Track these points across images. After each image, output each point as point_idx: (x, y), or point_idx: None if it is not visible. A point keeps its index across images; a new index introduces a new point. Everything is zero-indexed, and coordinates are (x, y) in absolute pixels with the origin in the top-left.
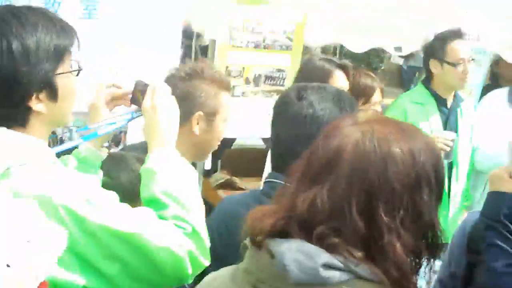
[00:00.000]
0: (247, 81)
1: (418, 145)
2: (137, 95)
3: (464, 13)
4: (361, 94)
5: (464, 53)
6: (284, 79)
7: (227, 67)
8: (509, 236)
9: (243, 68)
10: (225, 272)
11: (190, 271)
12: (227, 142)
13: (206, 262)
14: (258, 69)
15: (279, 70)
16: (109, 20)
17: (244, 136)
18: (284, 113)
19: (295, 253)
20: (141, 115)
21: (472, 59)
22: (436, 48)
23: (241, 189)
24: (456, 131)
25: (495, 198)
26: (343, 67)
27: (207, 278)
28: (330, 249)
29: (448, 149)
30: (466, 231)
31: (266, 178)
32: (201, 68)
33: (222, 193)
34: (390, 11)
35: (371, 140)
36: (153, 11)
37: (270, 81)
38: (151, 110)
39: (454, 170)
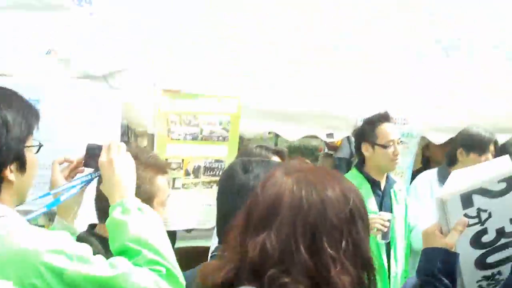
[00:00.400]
0: (186, 173)
1: (347, 186)
2: (90, 159)
3: (391, 97)
4: None
5: (393, 135)
6: (222, 169)
7: (166, 159)
8: None
9: (182, 160)
10: None
11: None
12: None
13: None
14: (197, 161)
15: (217, 161)
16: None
17: (186, 227)
18: (231, 186)
19: None
20: (99, 174)
21: (401, 142)
22: (367, 132)
23: None
24: (391, 212)
25: (429, 254)
26: (279, 153)
27: None
28: None
29: (385, 229)
30: None
31: (212, 252)
32: (135, 153)
33: None
34: (321, 98)
35: (307, 184)
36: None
37: (209, 172)
38: (108, 164)
39: (392, 251)
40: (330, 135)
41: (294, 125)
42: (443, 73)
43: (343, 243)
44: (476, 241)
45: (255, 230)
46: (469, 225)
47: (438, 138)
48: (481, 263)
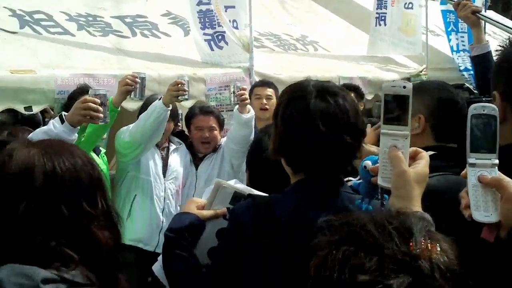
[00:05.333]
0: None
1: (87, 155)
2: None
3: None
4: None
5: None
6: None
7: None
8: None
9: None
10: None
11: None
12: None
13: None
14: None
15: None
16: None
17: None
18: None
19: (13, 277)
20: None
21: None
22: (69, 105)
23: None
24: None
25: (180, 216)
26: None
27: None
28: (49, 255)
29: None
30: None
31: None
32: None
33: None
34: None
35: (55, 154)
36: None
37: None
38: None
39: None
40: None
41: None
42: None
43: (99, 203)
44: None
45: (9, 200)
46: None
47: None
48: None
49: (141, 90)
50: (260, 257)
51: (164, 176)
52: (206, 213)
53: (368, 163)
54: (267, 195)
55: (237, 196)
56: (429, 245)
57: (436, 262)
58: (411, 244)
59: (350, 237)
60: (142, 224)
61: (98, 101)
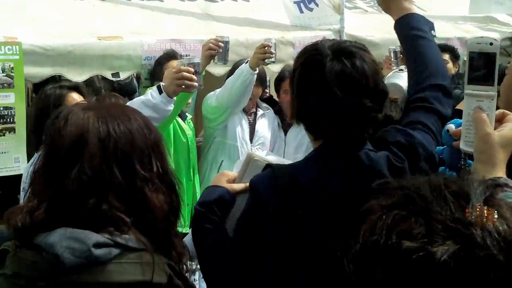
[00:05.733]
0: None
1: (146, 118)
2: None
3: None
4: None
5: None
6: (13, 116)
7: None
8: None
9: None
10: None
11: None
12: None
13: None
14: None
15: (6, 108)
16: None
17: None
18: None
19: (65, 241)
20: None
21: None
22: (156, 70)
23: None
24: None
25: (210, 189)
26: (76, 88)
27: None
28: (102, 220)
29: None
30: None
31: None
32: None
33: None
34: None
35: (110, 117)
36: None
37: (0, 120)
38: None
39: None
40: (115, 74)
41: (79, 67)
42: None
43: (154, 166)
44: None
45: (63, 164)
46: None
47: None
48: None
49: (224, 54)
50: (285, 229)
51: (251, 142)
52: (237, 186)
53: (451, 126)
54: (288, 163)
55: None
56: (485, 211)
57: (491, 230)
58: (466, 210)
59: (402, 201)
60: None
61: (192, 69)
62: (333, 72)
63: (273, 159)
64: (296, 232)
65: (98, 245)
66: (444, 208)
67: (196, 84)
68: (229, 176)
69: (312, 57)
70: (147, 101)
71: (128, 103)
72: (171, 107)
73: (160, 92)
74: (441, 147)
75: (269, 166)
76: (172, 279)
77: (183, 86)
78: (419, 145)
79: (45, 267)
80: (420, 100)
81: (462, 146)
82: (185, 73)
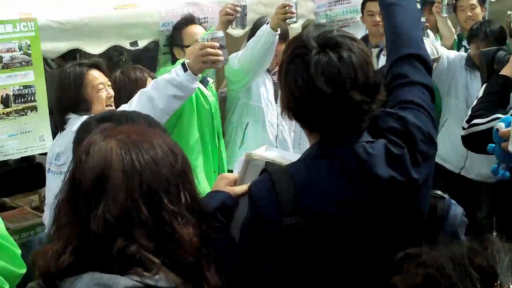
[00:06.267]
0: None
1: (170, 141)
2: None
3: None
4: (135, 86)
5: (197, 35)
6: (34, 94)
7: None
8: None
9: None
10: None
11: (6, 286)
12: None
13: (21, 270)
14: (3, 91)
15: (26, 87)
16: None
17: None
18: None
19: (93, 287)
20: None
21: None
22: (175, 36)
23: (13, 207)
24: None
25: (213, 194)
26: (95, 66)
27: None
28: (130, 262)
29: None
30: None
31: None
32: None
33: None
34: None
35: (133, 145)
36: None
37: (21, 99)
38: None
39: None
40: (134, 43)
41: (96, 38)
42: None
43: (182, 197)
44: None
45: (87, 202)
46: None
47: None
48: None
49: (242, 18)
50: (287, 234)
51: (276, 102)
52: (238, 189)
53: (501, 125)
54: (291, 159)
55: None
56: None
57: None
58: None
59: (426, 282)
60: None
61: (217, 44)
62: (319, 67)
63: (273, 155)
64: (298, 237)
65: None
66: (469, 286)
67: (222, 58)
68: (229, 179)
69: (297, 50)
70: (172, 79)
71: (153, 82)
72: (196, 84)
73: (185, 70)
74: (493, 145)
75: (265, 170)
76: None
77: (209, 63)
78: (414, 128)
79: None
80: (400, 77)
81: (511, 148)
82: (210, 49)
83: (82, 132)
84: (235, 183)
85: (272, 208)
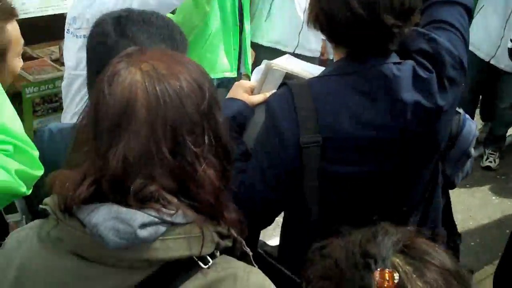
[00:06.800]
0: None
1: (198, 74)
2: None
3: None
4: None
5: None
6: None
7: None
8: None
9: None
10: (30, 235)
11: (23, 189)
12: None
13: (38, 172)
14: None
15: None
16: None
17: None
18: (101, 49)
19: (110, 221)
20: None
21: None
22: None
23: (33, 58)
24: None
25: (228, 102)
26: None
27: (9, 242)
28: (148, 200)
29: None
30: None
31: None
32: None
33: None
34: None
35: (159, 78)
36: None
37: None
38: None
39: None
40: None
41: None
42: None
43: (206, 138)
44: None
45: (110, 136)
46: None
47: None
48: None
49: None
50: (303, 151)
51: None
52: (256, 98)
53: None
54: (312, 73)
55: (288, 78)
56: (386, 274)
57: None
58: (371, 275)
59: (324, 273)
60: (282, 25)
61: None
62: None
63: (294, 66)
64: (315, 155)
65: (144, 226)
66: (356, 275)
67: None
68: (247, 87)
69: None
70: None
71: None
72: None
73: None
74: None
75: (285, 84)
76: (219, 245)
77: None
78: (445, 52)
79: (90, 242)
80: None
81: None
82: None
83: (96, 35)
84: (252, 91)
85: (290, 124)
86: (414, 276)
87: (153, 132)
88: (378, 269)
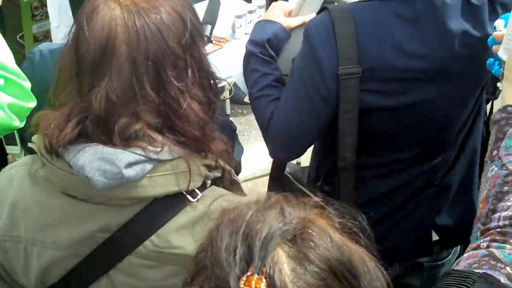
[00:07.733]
0: None
1: (178, 2)
2: None
3: None
4: None
5: None
6: None
7: None
8: (268, 59)
9: None
10: (20, 173)
11: (16, 122)
12: None
13: (31, 104)
14: None
15: None
16: None
17: None
18: None
19: (96, 162)
20: None
21: None
22: None
23: None
24: None
25: (262, 25)
26: None
27: (1, 181)
28: (133, 138)
29: None
30: None
31: None
32: None
33: None
34: None
35: (138, 12)
36: None
37: None
38: None
39: None
40: None
41: None
42: None
43: (189, 71)
44: None
45: (92, 75)
46: None
47: None
48: None
49: None
50: (342, 84)
51: None
52: (293, 21)
53: (499, 23)
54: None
55: (329, 1)
56: (253, 280)
57: None
58: (249, 271)
59: (199, 270)
60: None
61: None
62: None
63: None
64: (355, 87)
65: (130, 165)
66: (234, 270)
67: None
68: (284, 9)
69: None
70: None
71: None
72: None
73: None
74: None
75: (325, 8)
76: (208, 178)
77: None
78: None
79: (78, 182)
80: None
81: (500, 53)
82: None
83: None
84: (289, 14)
85: (329, 53)
86: (288, 280)
87: (135, 69)
88: (248, 273)
